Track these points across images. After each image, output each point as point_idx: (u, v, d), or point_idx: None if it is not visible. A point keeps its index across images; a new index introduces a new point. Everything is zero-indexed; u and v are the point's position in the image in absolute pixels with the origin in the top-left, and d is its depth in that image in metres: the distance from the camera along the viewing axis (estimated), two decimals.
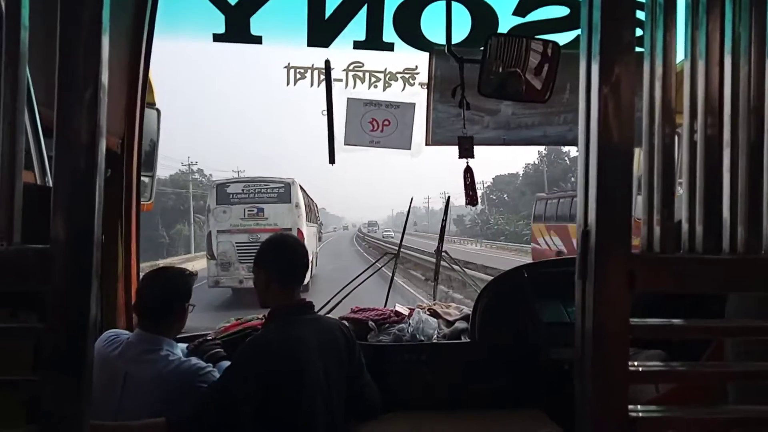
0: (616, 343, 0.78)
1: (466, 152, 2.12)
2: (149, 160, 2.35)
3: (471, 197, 2.12)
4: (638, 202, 0.89)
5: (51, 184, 0.76)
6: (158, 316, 1.73)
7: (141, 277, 1.89)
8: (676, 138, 0.87)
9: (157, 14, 2.06)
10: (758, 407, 0.81)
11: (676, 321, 0.82)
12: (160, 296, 1.75)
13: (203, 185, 43.23)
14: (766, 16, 0.84)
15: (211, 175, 45.54)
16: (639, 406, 0.78)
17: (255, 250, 1.82)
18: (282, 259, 1.75)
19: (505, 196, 61.63)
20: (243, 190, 13.14)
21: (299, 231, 12.71)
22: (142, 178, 2.24)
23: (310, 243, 14.43)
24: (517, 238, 42.72)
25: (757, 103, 0.83)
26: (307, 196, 15.55)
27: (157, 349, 1.68)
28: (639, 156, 0.89)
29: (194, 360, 1.73)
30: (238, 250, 12.44)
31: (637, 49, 0.83)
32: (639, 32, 0.86)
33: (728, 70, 0.84)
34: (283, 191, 13.18)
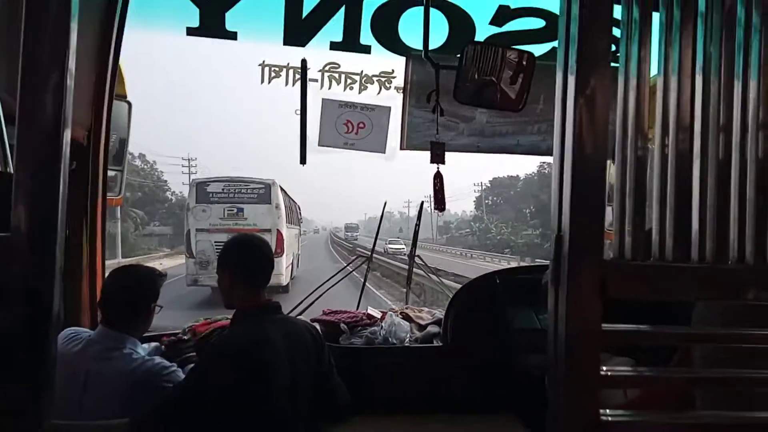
0: (588, 348, 0.80)
1: (437, 157, 2.14)
2: (118, 154, 2.28)
3: (439, 202, 2.14)
4: (609, 214, 0.91)
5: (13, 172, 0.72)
6: (123, 314, 1.67)
7: (108, 273, 1.83)
8: (648, 151, 0.90)
9: (129, 3, 2.00)
10: (724, 413, 0.84)
11: (645, 327, 0.85)
12: (127, 294, 1.69)
13: (144, 172, 38.88)
14: (734, 37, 0.87)
15: (155, 161, 40.64)
16: (609, 411, 0.80)
17: None
18: (246, 260, 1.72)
19: (500, 200, 52.87)
20: (223, 189, 13.14)
21: (279, 232, 12.77)
22: (111, 173, 2.16)
23: (291, 244, 14.44)
24: (530, 252, 33.49)
25: (725, 119, 0.87)
26: (289, 197, 15.54)
27: (120, 347, 1.63)
28: (611, 167, 0.91)
29: (158, 359, 1.68)
30: (217, 249, 12.35)
31: (612, 64, 0.85)
32: (614, 47, 0.88)
33: (699, 86, 0.87)
34: (263, 192, 13.22)
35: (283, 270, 12.39)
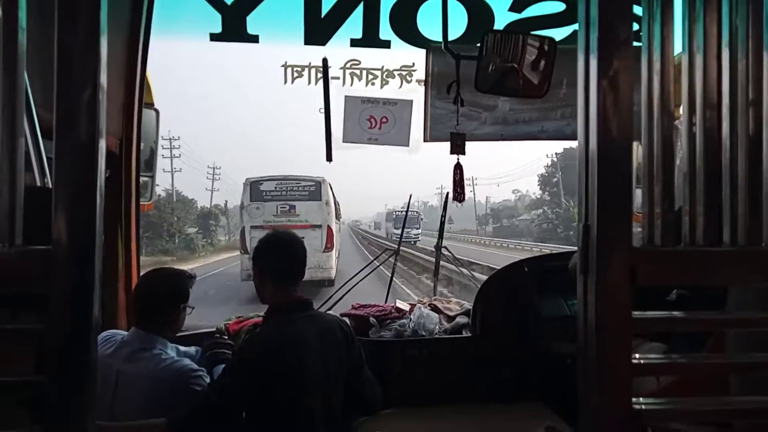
0: (618, 336, 0.78)
1: (458, 148, 2.14)
2: (148, 161, 2.36)
3: (458, 193, 2.15)
4: (638, 196, 0.89)
5: (51, 186, 0.75)
6: (154, 315, 1.72)
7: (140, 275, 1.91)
8: (675, 131, 0.88)
9: (153, 14, 2.05)
10: (760, 398, 0.81)
11: (677, 313, 0.83)
12: (157, 296, 1.75)
13: None
14: (762, 9, 0.84)
15: None
16: (642, 398, 0.79)
17: None
18: (275, 258, 1.74)
19: (570, 176, 37.97)
20: (276, 187, 13.61)
21: (329, 228, 13.15)
22: (142, 179, 2.24)
23: (337, 239, 14.83)
24: None
25: (755, 95, 0.84)
26: (333, 194, 15.93)
27: (150, 348, 1.68)
28: (638, 150, 0.89)
29: (187, 361, 1.72)
30: None
31: (635, 43, 0.83)
32: (636, 27, 0.86)
33: (726, 62, 0.84)
34: (314, 189, 13.62)
35: (333, 264, 12.81)
